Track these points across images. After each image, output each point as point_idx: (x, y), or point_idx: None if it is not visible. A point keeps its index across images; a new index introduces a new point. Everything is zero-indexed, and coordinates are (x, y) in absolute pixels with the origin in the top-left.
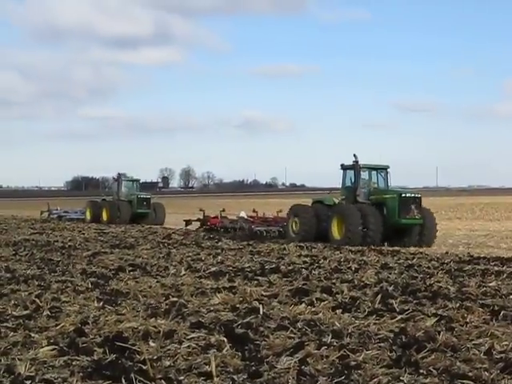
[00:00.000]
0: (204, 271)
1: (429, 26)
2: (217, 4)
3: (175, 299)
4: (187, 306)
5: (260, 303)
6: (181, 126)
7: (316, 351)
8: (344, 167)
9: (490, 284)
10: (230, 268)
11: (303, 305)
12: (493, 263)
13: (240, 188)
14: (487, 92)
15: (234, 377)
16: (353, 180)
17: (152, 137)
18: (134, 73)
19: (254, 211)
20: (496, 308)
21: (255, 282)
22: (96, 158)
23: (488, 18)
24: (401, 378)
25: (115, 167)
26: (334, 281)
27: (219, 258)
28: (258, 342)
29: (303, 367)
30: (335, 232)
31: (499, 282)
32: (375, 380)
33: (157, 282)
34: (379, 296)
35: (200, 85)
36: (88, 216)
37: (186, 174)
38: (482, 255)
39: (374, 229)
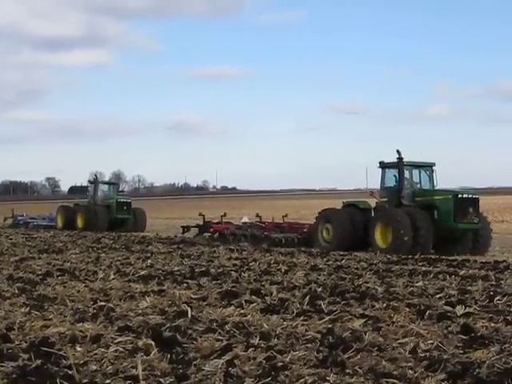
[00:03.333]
0: (133, 275)
1: (364, 28)
2: (150, 6)
3: (103, 303)
4: (115, 310)
5: (189, 306)
6: (112, 130)
7: (243, 353)
8: (383, 165)
9: (417, 284)
10: (160, 271)
11: (232, 307)
12: (420, 263)
13: (171, 191)
14: (420, 95)
15: (161, 380)
16: (395, 179)
17: (83, 140)
18: (65, 75)
19: (257, 216)
20: (422, 307)
21: (184, 285)
22: (26, 161)
23: (422, 21)
24: (327, 377)
25: (45, 171)
26: (263, 283)
27: (149, 261)
28: (185, 345)
29: (230, 369)
30: (379, 239)
31: (426, 282)
32: (301, 380)
33: (85, 286)
34: (308, 297)
35: (133, 87)
36: (59, 223)
37: (117, 178)
38: (409, 256)
39: (425, 235)
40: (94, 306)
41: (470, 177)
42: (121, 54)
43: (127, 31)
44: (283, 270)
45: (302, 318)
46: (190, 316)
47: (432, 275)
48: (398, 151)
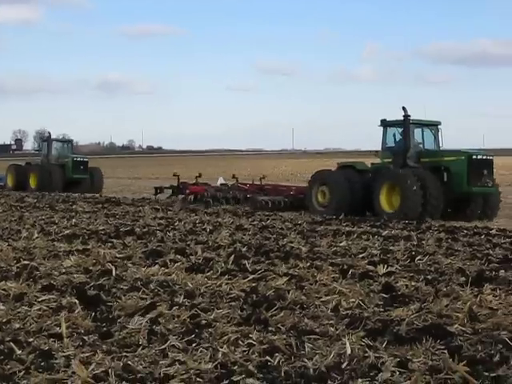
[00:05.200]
0: (57, 234)
1: None
2: None
3: (27, 262)
4: (39, 268)
5: (113, 265)
6: (37, 88)
7: (168, 311)
8: (386, 123)
9: (341, 244)
10: (84, 231)
11: (157, 266)
12: (344, 224)
13: (97, 150)
14: (349, 55)
15: (85, 337)
16: (398, 139)
17: (7, 98)
18: None
19: (233, 177)
20: (345, 267)
21: (109, 244)
22: None
23: None
24: (250, 335)
25: None
26: (188, 242)
27: (73, 220)
28: (110, 304)
29: (154, 327)
30: (385, 203)
31: (349, 242)
32: (225, 338)
33: (8, 245)
34: (232, 257)
35: (59, 45)
36: (9, 183)
37: (41, 137)
38: (333, 216)
39: (436, 198)
40: (18, 264)
41: None
42: (48, 10)
43: None
44: (208, 230)
45: (226, 277)
46: (114, 275)
47: (355, 235)
48: (403, 108)
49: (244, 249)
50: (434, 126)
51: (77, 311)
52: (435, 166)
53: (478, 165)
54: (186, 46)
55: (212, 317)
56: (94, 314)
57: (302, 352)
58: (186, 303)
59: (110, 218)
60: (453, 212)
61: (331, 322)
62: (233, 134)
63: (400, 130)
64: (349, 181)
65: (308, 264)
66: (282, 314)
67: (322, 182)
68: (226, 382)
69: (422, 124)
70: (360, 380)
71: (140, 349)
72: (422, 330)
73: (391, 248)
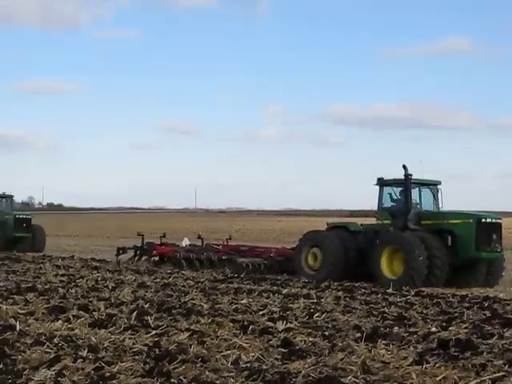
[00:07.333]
0: None
1: (192, 48)
2: None
3: None
4: None
5: (16, 320)
6: None
7: (72, 364)
8: (383, 182)
9: (242, 301)
10: None
11: (60, 321)
12: (246, 282)
13: None
14: (251, 116)
15: None
16: (397, 199)
17: None
18: None
19: (199, 237)
20: (246, 323)
21: (11, 300)
22: None
23: (249, 42)
24: None
25: None
26: (91, 299)
27: None
28: (14, 357)
29: (60, 379)
30: (386, 269)
31: (250, 300)
32: None
33: None
34: (135, 313)
35: None
36: None
37: None
38: (235, 275)
39: (441, 265)
40: None
41: (299, 199)
42: None
43: None
44: (111, 287)
45: (129, 332)
46: (17, 329)
47: (256, 293)
48: (404, 167)
49: (146, 305)
50: (433, 185)
51: None
52: (438, 228)
53: (487, 228)
54: (87, 103)
55: (116, 369)
56: None
57: None
58: (90, 357)
59: (10, 274)
60: (453, 278)
61: (231, 374)
62: (135, 192)
63: (397, 189)
64: (343, 243)
65: (209, 320)
66: (183, 367)
67: (313, 244)
68: None
69: (421, 183)
70: None
71: None
72: (318, 382)
73: (291, 305)
